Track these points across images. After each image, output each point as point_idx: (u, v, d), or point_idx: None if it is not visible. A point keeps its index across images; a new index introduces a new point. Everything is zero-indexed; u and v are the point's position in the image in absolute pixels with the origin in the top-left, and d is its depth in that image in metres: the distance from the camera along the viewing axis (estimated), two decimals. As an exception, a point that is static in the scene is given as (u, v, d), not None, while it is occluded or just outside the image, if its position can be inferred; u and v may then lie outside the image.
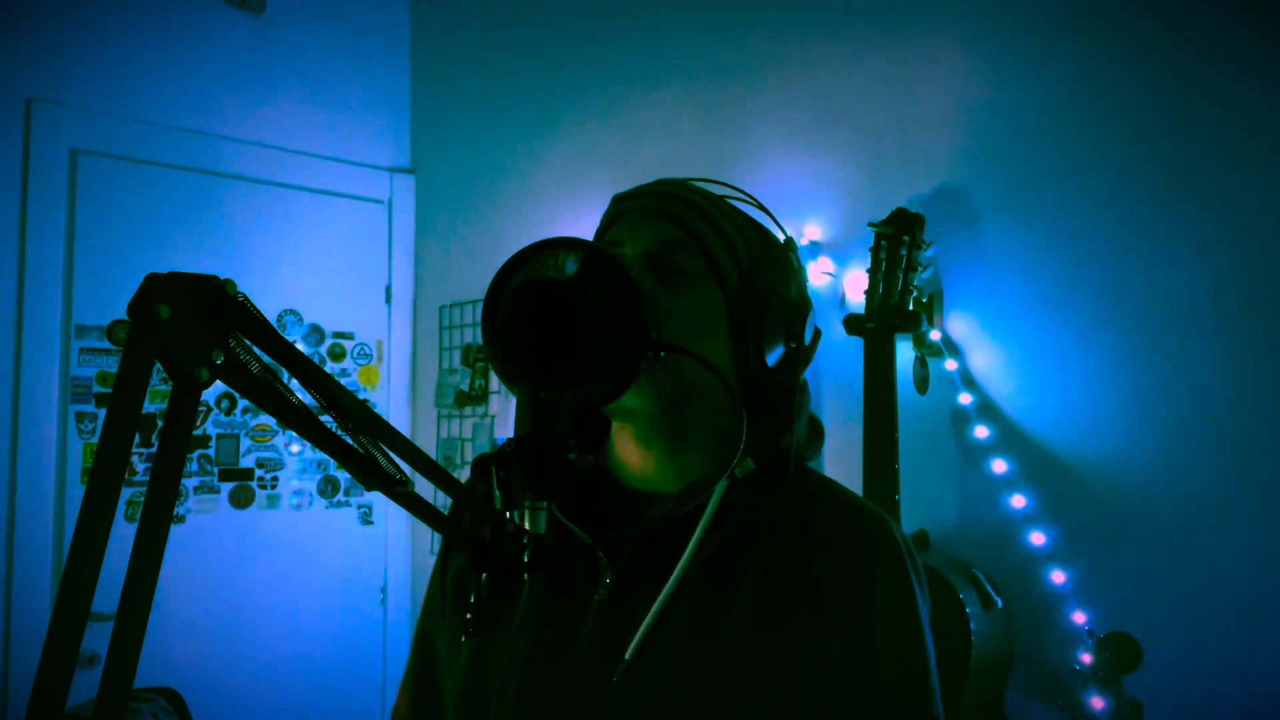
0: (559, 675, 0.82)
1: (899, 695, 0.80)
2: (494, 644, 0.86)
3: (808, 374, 0.94)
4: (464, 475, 0.99)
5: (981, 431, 1.68)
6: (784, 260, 0.91)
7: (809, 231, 2.00)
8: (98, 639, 2.48)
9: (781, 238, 0.94)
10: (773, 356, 0.87)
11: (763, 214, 0.94)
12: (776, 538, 0.83)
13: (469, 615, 0.86)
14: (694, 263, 0.86)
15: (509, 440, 0.69)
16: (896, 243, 1.65)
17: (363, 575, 3.04)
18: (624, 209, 0.91)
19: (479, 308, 2.19)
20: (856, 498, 0.89)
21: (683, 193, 0.90)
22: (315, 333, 3.01)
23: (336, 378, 1.25)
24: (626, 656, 0.79)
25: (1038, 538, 1.59)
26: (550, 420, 0.68)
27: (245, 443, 2.85)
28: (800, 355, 0.90)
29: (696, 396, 0.86)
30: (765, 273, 0.88)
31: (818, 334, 0.94)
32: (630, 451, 0.90)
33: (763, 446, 0.86)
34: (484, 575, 0.81)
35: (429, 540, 3.01)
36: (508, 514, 0.69)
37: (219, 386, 2.71)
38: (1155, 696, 1.42)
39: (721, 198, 0.92)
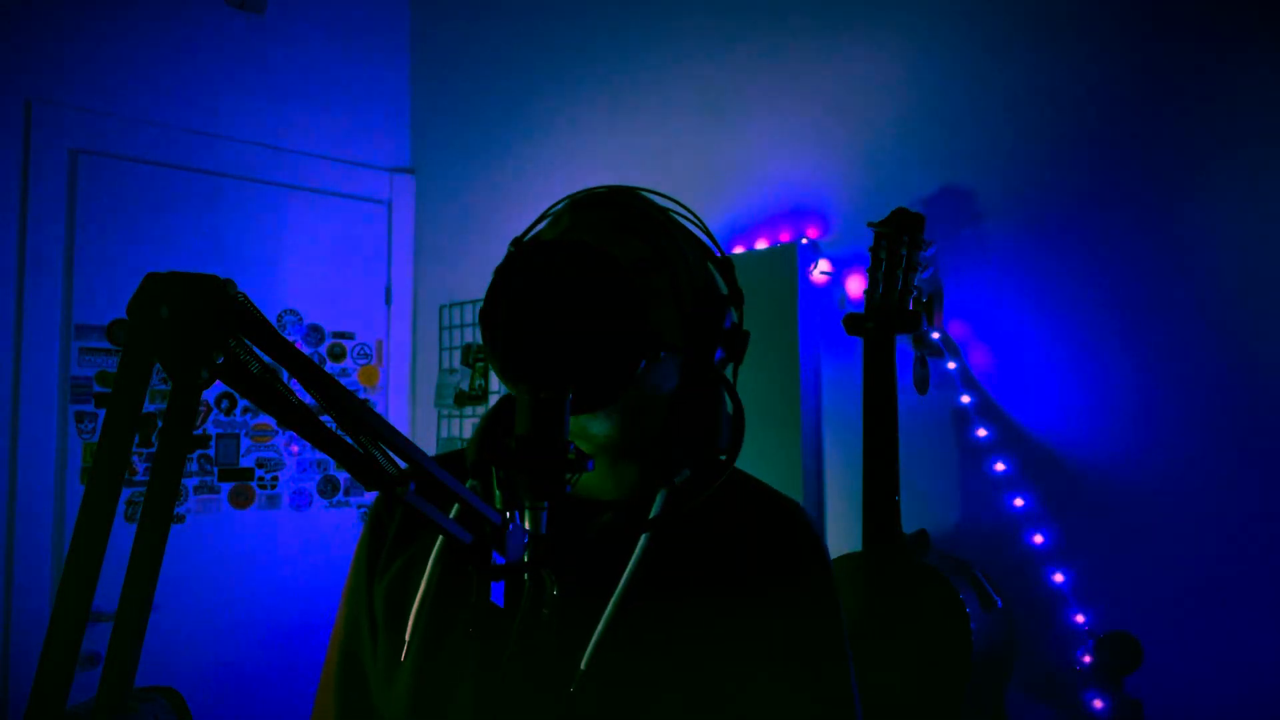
0: (516, 687, 0.82)
1: (832, 694, 0.87)
2: (443, 656, 0.85)
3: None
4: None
5: (981, 431, 1.68)
6: (725, 283, 0.94)
7: (809, 231, 2.00)
8: (98, 639, 2.48)
9: (720, 258, 0.97)
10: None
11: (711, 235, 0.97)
12: (715, 542, 0.87)
13: (468, 615, 0.85)
14: (660, 282, 0.88)
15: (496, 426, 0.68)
16: (896, 243, 1.65)
17: (363, 575, 3.03)
18: (585, 218, 0.90)
19: (479, 308, 2.19)
20: (777, 494, 0.94)
21: (648, 208, 0.91)
22: (315, 333, 3.01)
23: (336, 378, 1.25)
24: (582, 666, 0.80)
25: (1038, 538, 1.59)
26: (551, 420, 0.68)
27: (245, 443, 2.85)
28: (736, 373, 0.94)
29: (647, 419, 0.89)
30: (716, 297, 0.91)
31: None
32: None
33: (696, 457, 0.89)
34: (480, 576, 0.81)
35: (429, 540, 3.01)
36: (508, 514, 0.69)
37: (219, 386, 2.71)
38: (1155, 696, 1.42)
39: (669, 212, 0.93)
